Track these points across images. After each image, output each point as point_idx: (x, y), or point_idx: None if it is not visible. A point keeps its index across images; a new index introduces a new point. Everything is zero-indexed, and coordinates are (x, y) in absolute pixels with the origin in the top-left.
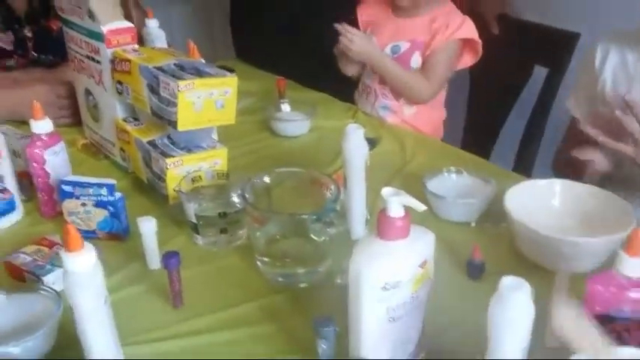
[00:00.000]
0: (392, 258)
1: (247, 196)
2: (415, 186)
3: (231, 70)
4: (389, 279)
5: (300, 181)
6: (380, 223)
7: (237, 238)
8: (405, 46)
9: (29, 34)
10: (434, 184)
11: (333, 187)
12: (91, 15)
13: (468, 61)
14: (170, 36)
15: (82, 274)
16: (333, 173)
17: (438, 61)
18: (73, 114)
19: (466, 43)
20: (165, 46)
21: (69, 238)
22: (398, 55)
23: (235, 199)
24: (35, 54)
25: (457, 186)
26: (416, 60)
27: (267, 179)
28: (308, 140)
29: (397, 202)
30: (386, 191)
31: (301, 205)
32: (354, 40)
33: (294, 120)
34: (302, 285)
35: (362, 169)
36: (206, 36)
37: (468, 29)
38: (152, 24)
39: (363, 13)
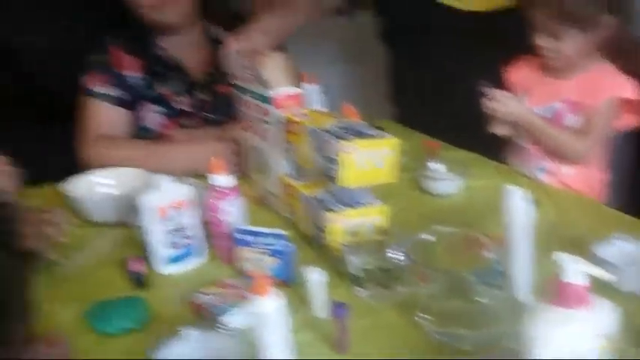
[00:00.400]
0: (572, 328)
1: (410, 253)
2: (577, 251)
3: (380, 129)
4: (568, 349)
5: (459, 240)
6: (560, 291)
7: (398, 293)
8: (558, 106)
9: (203, 97)
10: (602, 252)
11: (494, 248)
12: (263, 82)
13: (631, 121)
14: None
15: (269, 315)
16: (489, 234)
17: (593, 121)
18: (241, 168)
19: (627, 102)
20: (321, 108)
21: (258, 284)
22: (551, 115)
23: (394, 254)
24: (208, 114)
25: (628, 254)
26: (570, 121)
27: (428, 237)
28: (459, 200)
29: (578, 269)
30: (561, 257)
31: (462, 265)
32: (503, 102)
33: (446, 179)
34: (466, 346)
35: (527, 231)
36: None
37: (627, 88)
38: (309, 87)
39: (512, 74)
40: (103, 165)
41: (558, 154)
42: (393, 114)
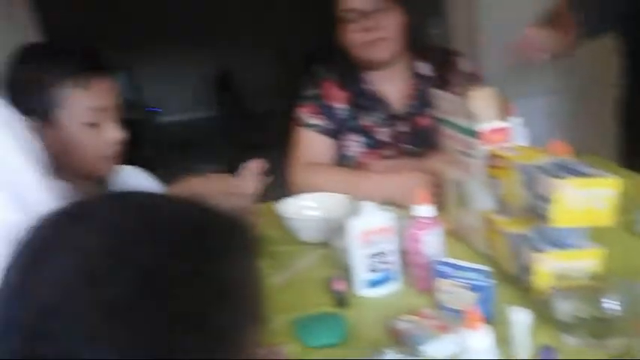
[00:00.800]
0: None
1: (628, 303)
2: None
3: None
4: None
5: None
6: None
7: (611, 345)
8: None
9: (404, 129)
10: None
11: None
12: (471, 116)
13: None
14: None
15: (479, 349)
16: None
17: None
18: (438, 200)
19: None
20: (526, 143)
21: (471, 318)
22: None
23: (609, 303)
24: (407, 146)
25: None
26: None
27: None
28: None
29: None
30: None
31: None
32: None
33: None
34: None
35: None
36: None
37: None
38: (515, 121)
39: None
40: (309, 189)
41: None
42: (609, 149)
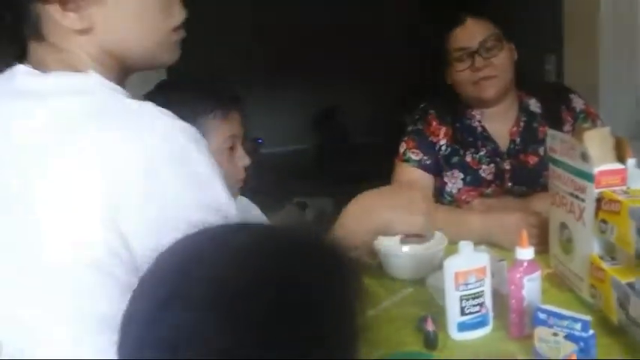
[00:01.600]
0: None
1: None
2: None
3: None
4: None
5: None
6: None
7: None
8: None
9: (507, 167)
10: None
11: None
12: (584, 157)
13: None
14: None
15: None
16: None
17: None
18: (540, 243)
19: None
20: None
21: None
22: None
23: None
24: (510, 184)
25: None
26: None
27: None
28: None
29: None
30: None
31: None
32: None
33: None
34: None
35: None
36: None
37: None
38: (631, 163)
39: None
40: None
41: None
42: None
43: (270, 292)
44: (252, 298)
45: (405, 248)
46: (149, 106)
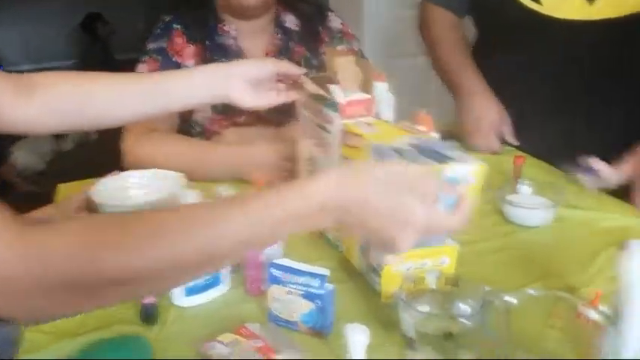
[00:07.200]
0: None
1: (482, 315)
2: None
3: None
4: None
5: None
6: None
7: None
8: None
9: None
10: None
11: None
12: (332, 84)
13: None
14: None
15: None
16: (591, 292)
17: None
18: (291, 176)
19: None
20: (390, 112)
21: None
22: None
23: (460, 314)
24: (264, 113)
25: None
26: None
27: (510, 300)
28: (550, 235)
29: None
30: None
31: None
32: None
33: (535, 208)
34: None
35: None
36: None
37: None
38: (381, 87)
39: None
40: (144, 162)
41: None
42: None
43: None
44: None
45: (134, 192)
46: None
